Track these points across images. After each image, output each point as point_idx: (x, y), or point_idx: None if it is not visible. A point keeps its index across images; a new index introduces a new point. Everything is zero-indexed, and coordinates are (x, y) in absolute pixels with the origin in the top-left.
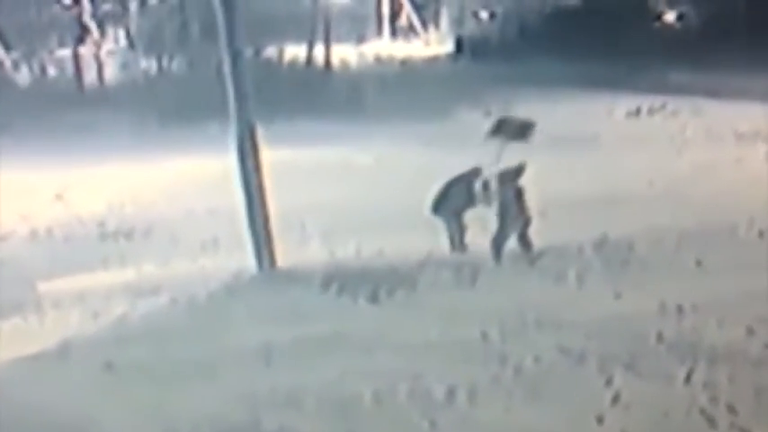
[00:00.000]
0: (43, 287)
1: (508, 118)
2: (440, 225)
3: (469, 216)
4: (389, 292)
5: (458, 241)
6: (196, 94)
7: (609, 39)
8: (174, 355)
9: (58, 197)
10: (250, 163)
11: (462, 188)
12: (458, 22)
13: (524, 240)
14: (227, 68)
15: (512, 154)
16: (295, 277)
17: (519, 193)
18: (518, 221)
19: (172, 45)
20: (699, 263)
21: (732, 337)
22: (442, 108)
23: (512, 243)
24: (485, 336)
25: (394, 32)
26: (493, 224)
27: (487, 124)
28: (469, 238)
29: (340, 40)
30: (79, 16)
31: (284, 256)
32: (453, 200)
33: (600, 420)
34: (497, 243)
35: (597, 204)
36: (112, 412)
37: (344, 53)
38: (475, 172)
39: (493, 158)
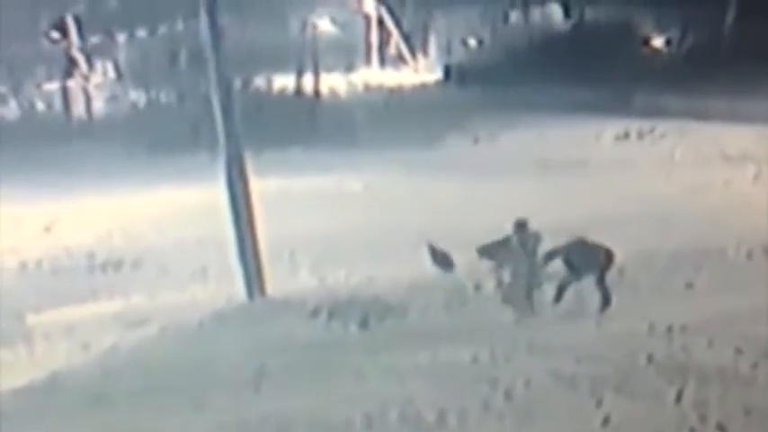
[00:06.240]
0: (33, 319)
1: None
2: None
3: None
4: (379, 317)
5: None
6: (185, 125)
7: (597, 64)
8: (163, 385)
9: (47, 230)
10: (238, 191)
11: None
12: (446, 49)
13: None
14: (215, 99)
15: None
16: (285, 305)
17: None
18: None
19: (160, 77)
20: (689, 285)
21: (721, 357)
22: (430, 135)
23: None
24: (475, 359)
25: (383, 61)
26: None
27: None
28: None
29: (329, 69)
30: (67, 50)
31: (274, 284)
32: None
33: None
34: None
35: (587, 228)
36: None
37: (333, 82)
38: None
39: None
